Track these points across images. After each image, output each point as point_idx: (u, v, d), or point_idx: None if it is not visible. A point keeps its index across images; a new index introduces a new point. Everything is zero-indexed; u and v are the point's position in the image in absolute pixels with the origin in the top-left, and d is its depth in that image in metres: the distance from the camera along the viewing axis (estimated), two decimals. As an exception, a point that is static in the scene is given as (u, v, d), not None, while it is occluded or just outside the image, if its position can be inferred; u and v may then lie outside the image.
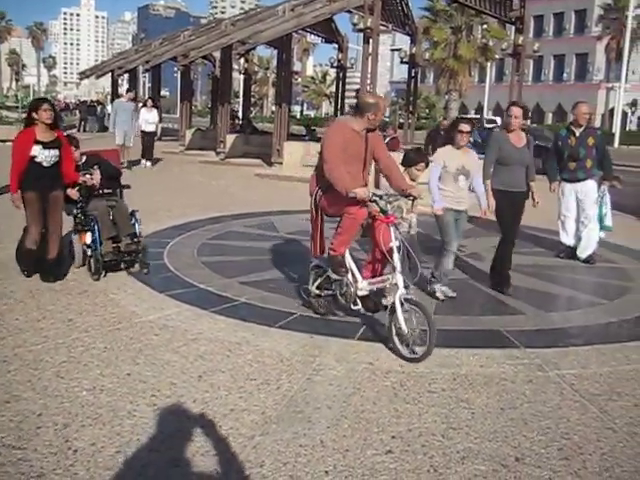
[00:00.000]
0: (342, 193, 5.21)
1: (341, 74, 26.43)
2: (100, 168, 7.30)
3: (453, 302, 6.56)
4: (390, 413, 4.14)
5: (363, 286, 5.56)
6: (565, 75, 68.36)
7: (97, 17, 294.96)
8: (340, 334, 5.47)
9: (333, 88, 29.61)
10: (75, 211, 7.19)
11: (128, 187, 7.76)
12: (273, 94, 33.31)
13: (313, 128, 29.02)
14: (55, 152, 6.57)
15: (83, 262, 7.15)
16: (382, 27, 17.47)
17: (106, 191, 7.43)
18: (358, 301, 5.59)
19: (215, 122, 26.10)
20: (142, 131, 18.31)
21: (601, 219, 8.76)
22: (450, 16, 35.62)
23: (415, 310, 4.95)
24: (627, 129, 52.10)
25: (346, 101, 32.21)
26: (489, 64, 44.63)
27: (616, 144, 33.82)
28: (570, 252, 8.80)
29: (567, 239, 8.91)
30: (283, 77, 21.66)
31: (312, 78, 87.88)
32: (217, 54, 27.32)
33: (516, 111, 6.95)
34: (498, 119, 46.14)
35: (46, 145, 6.50)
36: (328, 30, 24.95)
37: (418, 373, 4.76)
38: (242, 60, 29.46)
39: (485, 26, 33.70)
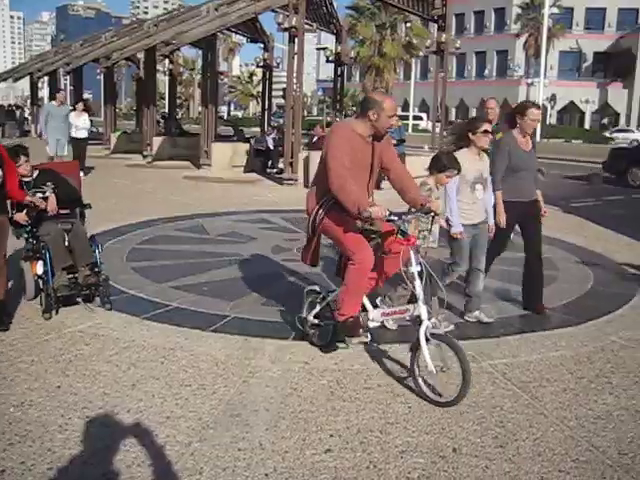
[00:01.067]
0: (352, 212, 4.40)
1: (267, 74, 26.35)
2: (56, 188, 6.19)
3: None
4: (327, 412, 4.14)
5: (375, 317, 4.82)
6: (487, 71, 70.12)
7: (12, 17, 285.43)
8: (275, 335, 5.44)
9: (260, 88, 29.49)
10: (25, 235, 6.20)
11: (89, 207, 6.60)
12: (199, 95, 32.94)
13: (241, 128, 28.86)
14: None
15: (35, 294, 6.21)
16: (307, 26, 17.52)
17: (62, 212, 6.22)
18: (368, 334, 4.83)
19: (141, 125, 25.61)
20: (72, 138, 16.42)
21: None
22: (374, 14, 36.03)
23: (444, 346, 4.26)
24: (548, 123, 53.77)
25: (273, 100, 32.18)
26: (414, 61, 45.39)
27: (538, 137, 34.82)
28: None
29: None
30: (209, 77, 21.44)
31: (238, 78, 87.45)
32: (141, 55, 26.81)
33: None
34: (424, 115, 47.07)
35: None
36: (253, 30, 24.84)
37: (354, 370, 4.78)
38: (167, 61, 29.04)
39: (409, 24, 34.24)
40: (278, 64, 26.28)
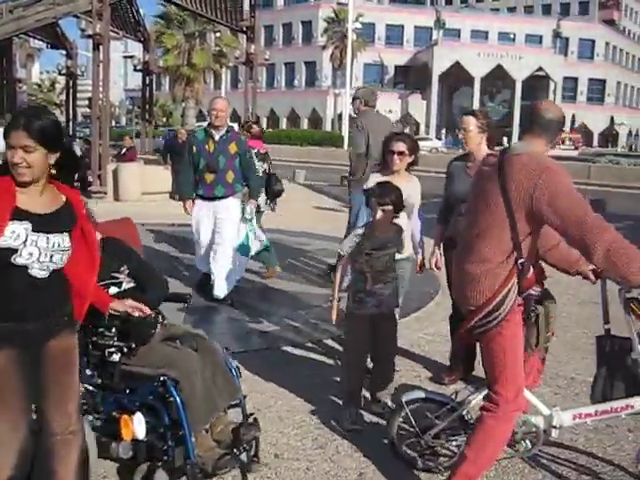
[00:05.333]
0: (634, 282, 2.86)
1: (71, 82, 25.16)
2: (135, 275, 3.77)
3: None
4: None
5: (564, 421, 3.40)
6: (296, 82, 71.93)
7: None
8: None
9: (64, 96, 28.09)
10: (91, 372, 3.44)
11: (189, 300, 4.27)
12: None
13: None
14: (60, 240, 2.66)
15: None
16: (112, 33, 16.98)
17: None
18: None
19: None
20: None
21: (245, 247, 6.96)
22: (183, 23, 35.64)
23: None
24: (354, 132, 56.22)
25: (79, 110, 30.77)
26: (224, 71, 45.46)
27: (345, 146, 36.34)
28: (205, 279, 7.01)
29: (202, 265, 7.08)
30: (5, 85, 20.07)
31: (39, 86, 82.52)
32: None
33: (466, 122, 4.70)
34: (235, 125, 47.31)
35: (40, 222, 2.61)
36: (54, 35, 23.57)
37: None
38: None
39: (218, 34, 34.24)
40: (83, 72, 25.18)
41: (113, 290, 3.57)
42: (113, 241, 3.72)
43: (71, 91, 25.53)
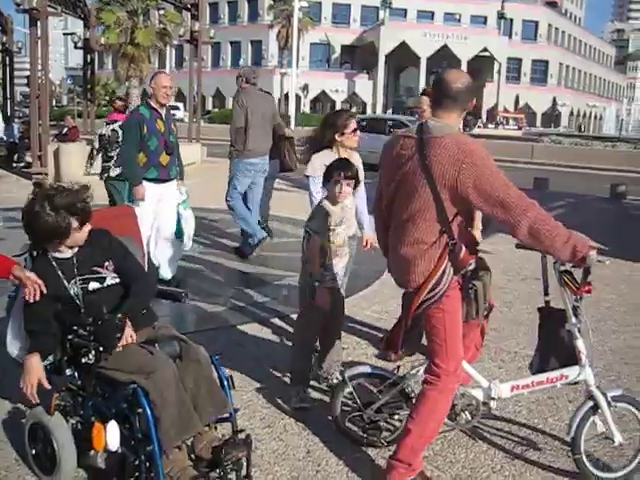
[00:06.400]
0: (565, 256, 2.97)
1: (8, 59, 24.31)
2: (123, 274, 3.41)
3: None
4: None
5: (502, 393, 3.47)
6: (242, 61, 71.06)
7: None
8: None
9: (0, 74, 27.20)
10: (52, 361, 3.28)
11: (185, 297, 3.83)
12: None
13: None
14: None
15: None
16: (51, 9, 16.37)
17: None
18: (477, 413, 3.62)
19: None
20: None
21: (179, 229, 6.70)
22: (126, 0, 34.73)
23: (631, 411, 3.54)
24: (301, 111, 56.01)
25: (16, 89, 29.86)
26: (168, 50, 44.67)
27: (292, 126, 36.22)
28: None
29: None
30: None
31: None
32: None
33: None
34: (180, 105, 46.59)
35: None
36: (-12, 10, 22.74)
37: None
38: None
39: (162, 11, 33.50)
40: (20, 49, 24.35)
41: (93, 285, 3.25)
42: (100, 232, 3.37)
43: (8, 69, 24.69)
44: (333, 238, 4.18)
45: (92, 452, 3.03)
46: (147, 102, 6.41)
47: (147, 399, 2.93)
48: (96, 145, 8.56)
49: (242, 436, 3.20)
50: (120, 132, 7.64)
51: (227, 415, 3.28)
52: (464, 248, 3.09)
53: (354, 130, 4.71)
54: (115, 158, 8.10)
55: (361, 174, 4.70)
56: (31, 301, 3.07)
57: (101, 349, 3.03)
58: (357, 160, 4.82)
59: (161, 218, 6.45)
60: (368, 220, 4.96)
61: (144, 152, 6.24)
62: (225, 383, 3.29)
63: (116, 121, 8.34)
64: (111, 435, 2.94)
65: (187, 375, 3.15)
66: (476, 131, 39.92)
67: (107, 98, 58.88)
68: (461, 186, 2.90)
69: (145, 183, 6.26)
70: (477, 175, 2.88)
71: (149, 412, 2.92)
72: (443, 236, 3.04)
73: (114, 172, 8.12)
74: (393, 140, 3.27)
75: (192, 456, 3.18)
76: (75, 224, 3.16)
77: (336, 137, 4.69)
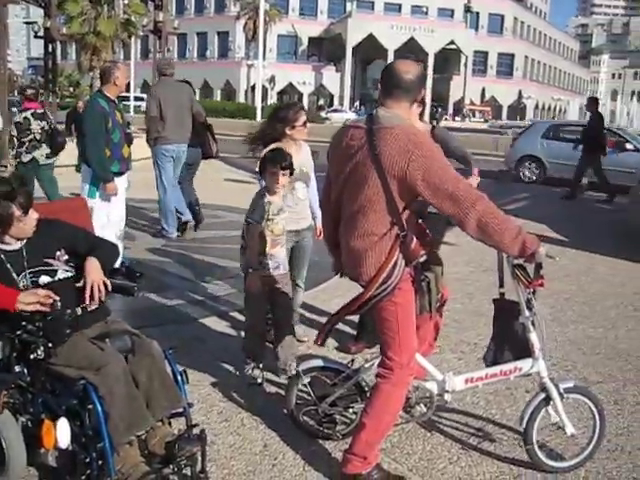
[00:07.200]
0: (514, 252, 2.97)
1: (-33, 49, 23.79)
2: (73, 261, 3.34)
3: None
4: None
5: (456, 385, 3.51)
6: (209, 52, 70.67)
7: None
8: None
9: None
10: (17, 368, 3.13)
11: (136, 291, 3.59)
12: None
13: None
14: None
15: None
16: (9, -3, 16.01)
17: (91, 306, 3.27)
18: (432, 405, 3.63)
19: None
20: None
21: None
22: (88, -12, 34.17)
23: (583, 402, 3.59)
24: (268, 103, 55.83)
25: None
26: (133, 40, 44.09)
27: (259, 118, 36.05)
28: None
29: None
30: None
31: None
32: None
33: None
34: (145, 96, 46.19)
35: None
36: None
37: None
38: None
39: (126, 1, 33.06)
40: (-22, 38, 23.79)
41: (44, 279, 3.17)
42: (49, 221, 3.28)
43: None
44: (272, 227, 4.25)
45: (42, 450, 2.96)
46: (103, 93, 6.20)
47: (97, 395, 2.88)
48: (14, 133, 8.78)
49: (196, 431, 3.16)
50: (32, 119, 8.45)
51: (181, 410, 3.24)
52: (415, 239, 3.08)
53: (304, 123, 4.68)
54: (27, 144, 8.54)
55: (309, 167, 4.81)
56: None
57: (50, 345, 2.98)
58: (307, 152, 4.88)
59: (113, 209, 6.27)
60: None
61: (108, 146, 6.10)
62: (179, 377, 3.25)
63: (29, 109, 8.69)
64: (61, 432, 2.87)
65: (140, 370, 3.10)
66: (442, 123, 40.24)
67: (71, 89, 58.06)
68: (410, 178, 2.88)
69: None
70: (426, 167, 2.86)
71: (99, 408, 2.87)
72: (394, 227, 3.01)
73: (26, 158, 8.58)
74: (342, 131, 3.24)
75: (146, 452, 3.12)
76: (17, 212, 3.07)
77: (286, 131, 4.65)
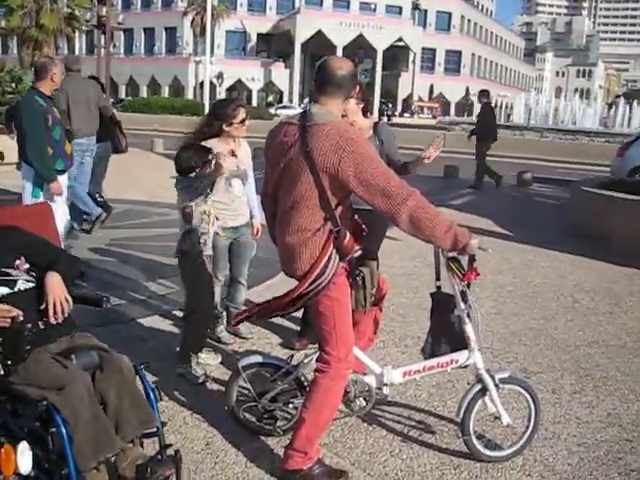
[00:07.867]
0: (446, 245, 3.03)
1: None
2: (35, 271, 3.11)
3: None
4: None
5: (394, 379, 3.55)
6: (156, 48, 69.73)
7: None
8: None
9: None
10: None
11: (105, 302, 3.37)
12: None
13: None
14: None
15: None
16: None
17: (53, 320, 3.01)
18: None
19: None
20: None
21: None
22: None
23: (518, 392, 3.66)
24: (216, 99, 55.46)
25: None
26: (77, 35, 43.23)
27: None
28: None
29: None
30: None
31: None
32: None
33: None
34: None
35: None
36: None
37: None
38: None
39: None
40: None
41: (3, 290, 2.93)
42: (7, 229, 3.09)
43: None
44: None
45: (2, 477, 2.73)
46: (38, 90, 5.94)
47: (61, 417, 2.66)
48: None
49: (170, 452, 2.95)
50: None
51: (154, 429, 3.00)
52: (349, 235, 3.09)
53: (242, 120, 4.62)
54: None
55: (247, 164, 4.83)
56: None
57: (9, 362, 2.80)
58: (246, 150, 4.87)
59: (58, 208, 5.86)
60: (258, 208, 4.90)
61: (50, 144, 5.90)
62: (151, 395, 3.02)
63: None
64: (22, 457, 2.62)
65: (109, 387, 2.87)
66: (391, 120, 40.55)
67: (13, 85, 56.63)
68: (342, 174, 2.90)
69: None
70: (358, 163, 2.88)
71: (64, 431, 2.64)
72: (327, 223, 3.03)
73: None
74: (277, 127, 3.24)
75: (116, 476, 2.85)
76: None
77: (224, 127, 4.60)
